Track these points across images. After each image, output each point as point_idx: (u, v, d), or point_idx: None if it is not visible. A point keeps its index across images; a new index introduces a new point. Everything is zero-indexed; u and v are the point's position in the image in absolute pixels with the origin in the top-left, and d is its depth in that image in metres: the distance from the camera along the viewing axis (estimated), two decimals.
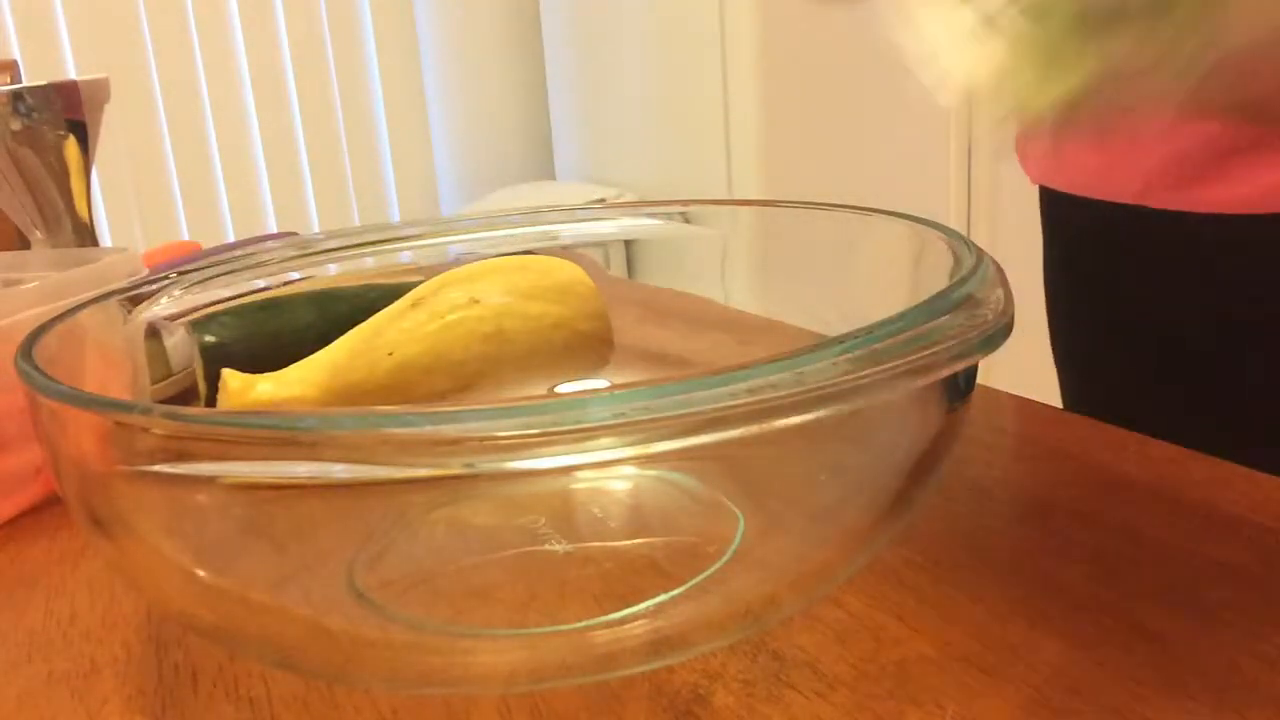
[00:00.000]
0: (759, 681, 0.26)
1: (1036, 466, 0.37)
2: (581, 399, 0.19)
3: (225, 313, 0.40)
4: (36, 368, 0.24)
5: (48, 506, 0.41)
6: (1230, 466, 0.36)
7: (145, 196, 2.10)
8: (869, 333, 0.21)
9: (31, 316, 0.40)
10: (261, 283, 0.40)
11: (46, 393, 0.23)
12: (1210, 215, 0.46)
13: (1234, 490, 0.34)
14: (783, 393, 0.20)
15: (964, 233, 0.33)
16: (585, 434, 0.19)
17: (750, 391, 0.19)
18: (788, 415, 0.20)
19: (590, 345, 0.38)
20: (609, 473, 0.34)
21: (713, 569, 0.29)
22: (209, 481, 0.22)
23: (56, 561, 0.36)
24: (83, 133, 0.60)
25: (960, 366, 0.22)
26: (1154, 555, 0.31)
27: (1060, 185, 0.55)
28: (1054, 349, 0.59)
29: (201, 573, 0.26)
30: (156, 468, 0.22)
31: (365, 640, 0.27)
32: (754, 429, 0.20)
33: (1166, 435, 0.38)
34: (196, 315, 0.39)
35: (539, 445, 0.19)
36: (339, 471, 0.19)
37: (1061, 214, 0.57)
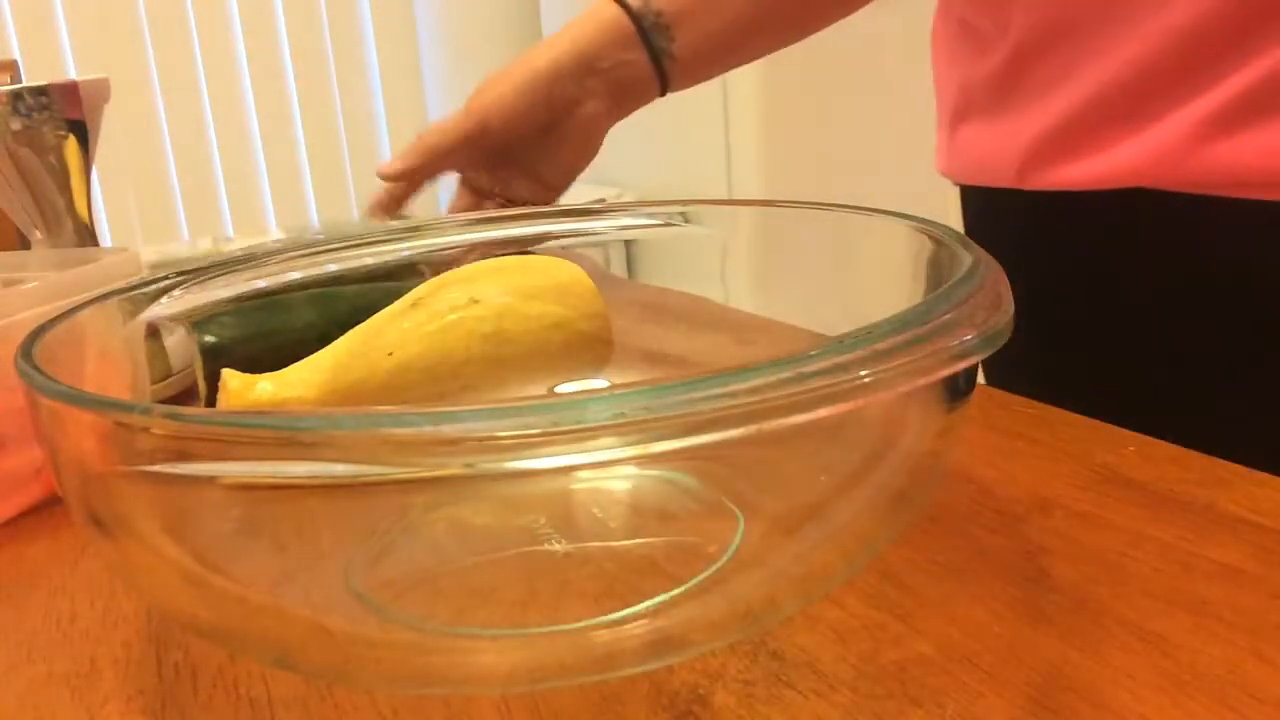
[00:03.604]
0: (759, 681, 0.26)
1: (1036, 466, 0.37)
2: (581, 399, 0.19)
3: (225, 313, 0.40)
4: (36, 367, 0.24)
5: (48, 506, 0.41)
6: (1230, 466, 0.36)
7: (145, 196, 2.10)
8: (869, 333, 0.21)
9: (31, 316, 0.40)
10: (261, 283, 0.40)
11: (46, 393, 0.23)
12: (1074, 193, 0.46)
13: (1234, 490, 0.34)
14: (783, 393, 0.20)
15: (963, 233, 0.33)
16: (585, 434, 0.19)
17: (750, 391, 0.19)
18: (788, 415, 0.20)
19: (590, 345, 0.38)
20: (609, 473, 0.34)
21: (713, 569, 0.29)
22: (209, 481, 0.22)
23: (56, 561, 0.36)
24: (83, 133, 0.60)
25: (960, 366, 0.22)
26: (1154, 555, 0.31)
27: (956, 175, 0.55)
28: None
29: (201, 573, 0.26)
30: (156, 468, 0.22)
31: (365, 640, 0.27)
32: (754, 429, 0.20)
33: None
34: (196, 315, 0.39)
35: (539, 445, 0.19)
36: (339, 471, 0.19)
37: (964, 203, 0.57)
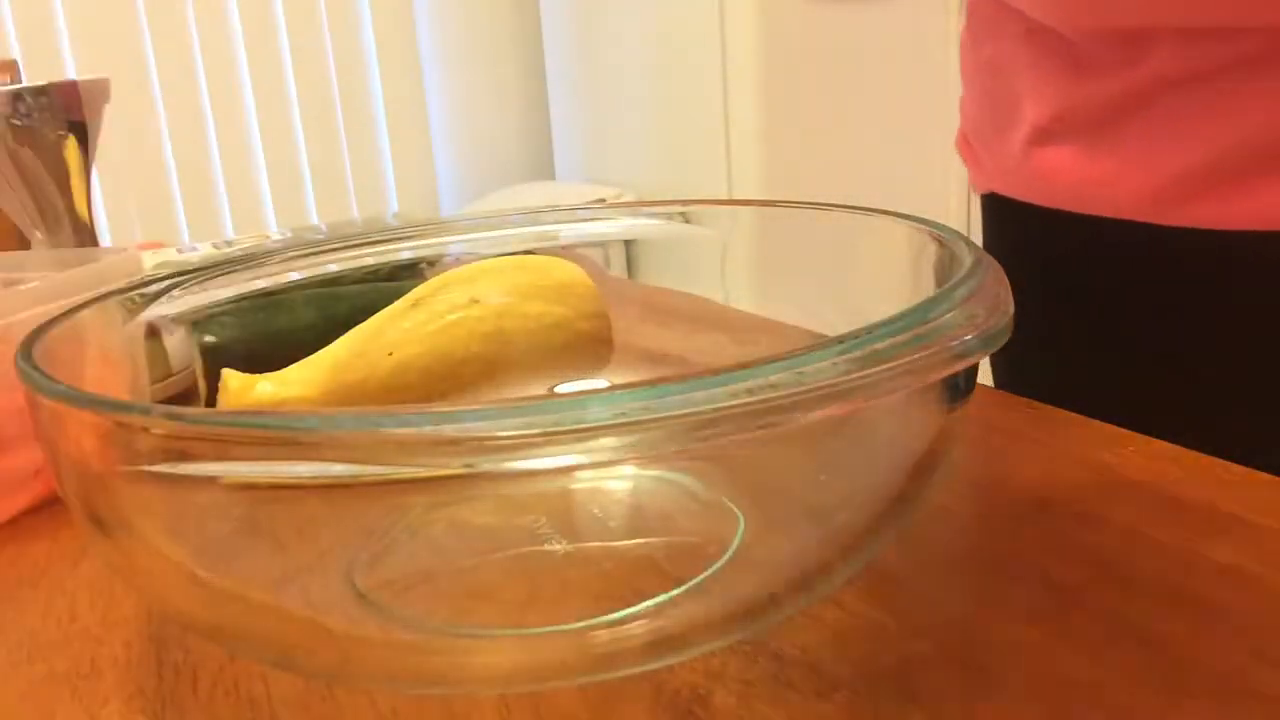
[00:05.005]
0: (759, 681, 0.26)
1: (1036, 466, 0.37)
2: (582, 399, 0.19)
3: (225, 313, 0.40)
4: (36, 367, 0.24)
5: (48, 506, 0.41)
6: (1230, 466, 0.36)
7: (145, 196, 2.10)
8: (869, 333, 0.21)
9: (31, 316, 0.40)
10: (261, 283, 0.41)
11: (46, 393, 0.23)
12: (1220, 231, 0.45)
13: (1234, 490, 0.34)
14: (783, 393, 0.20)
15: (964, 233, 0.33)
16: (585, 434, 0.19)
17: (750, 391, 0.19)
18: (788, 415, 0.20)
19: (590, 345, 0.38)
20: (609, 473, 0.34)
21: (713, 569, 0.29)
22: (209, 482, 0.22)
23: (56, 561, 0.36)
24: (83, 133, 0.60)
25: (960, 366, 0.22)
26: (1154, 555, 0.31)
27: (1029, 196, 0.53)
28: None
29: (201, 573, 0.26)
30: (157, 468, 0.22)
31: (365, 640, 0.27)
32: (754, 429, 0.20)
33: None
34: (196, 315, 0.39)
35: (539, 445, 0.19)
36: (339, 471, 0.19)
37: (1019, 225, 0.55)
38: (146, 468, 0.22)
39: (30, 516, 0.40)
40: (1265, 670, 0.25)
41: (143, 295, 0.36)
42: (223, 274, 0.39)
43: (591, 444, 0.19)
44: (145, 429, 0.21)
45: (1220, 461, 0.36)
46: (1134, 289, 0.51)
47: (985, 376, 0.55)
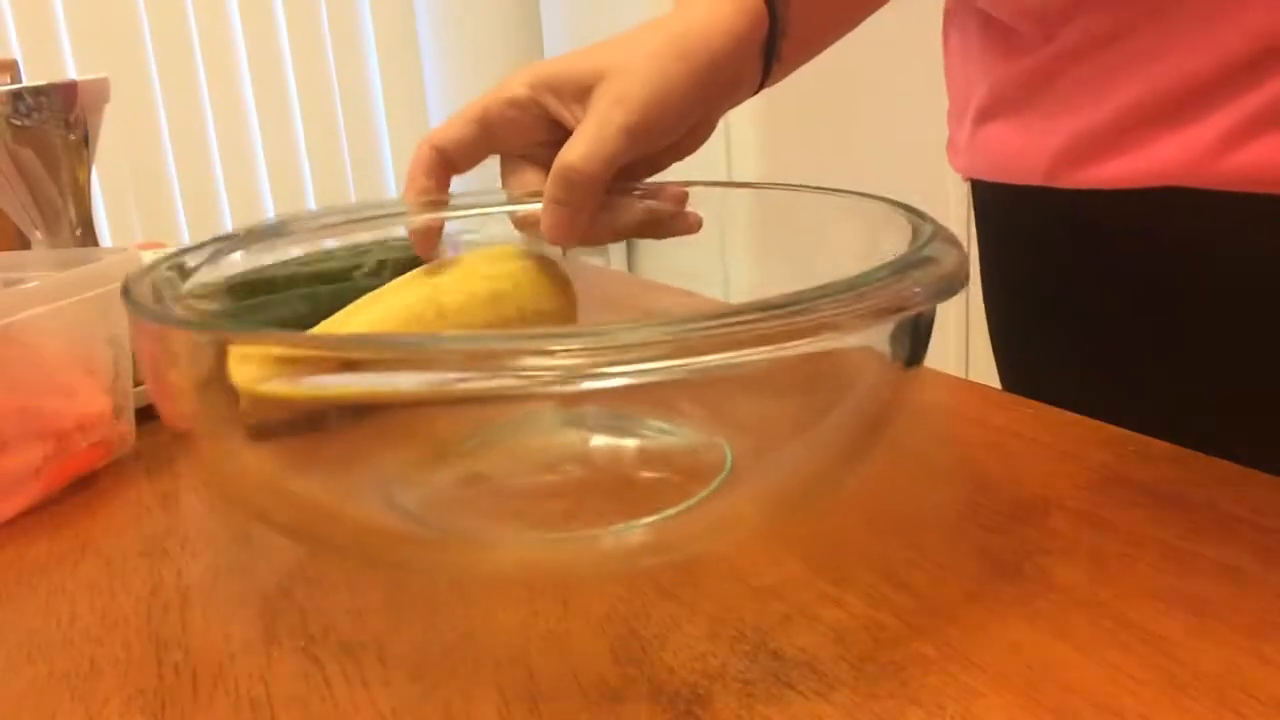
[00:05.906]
0: (759, 681, 0.26)
1: (1037, 466, 0.37)
2: (634, 325, 0.23)
3: (218, 310, 0.40)
4: (140, 301, 0.29)
5: (48, 506, 0.41)
6: (1230, 466, 0.36)
7: (145, 196, 2.10)
8: (849, 282, 0.25)
9: (31, 316, 0.40)
10: (295, 250, 0.43)
11: (151, 317, 0.27)
12: (1105, 191, 0.47)
13: (1234, 490, 0.34)
14: (783, 323, 0.24)
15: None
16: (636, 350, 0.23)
17: (760, 319, 0.24)
18: (792, 340, 0.24)
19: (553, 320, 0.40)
20: (624, 421, 0.39)
21: (703, 494, 0.33)
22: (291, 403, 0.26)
23: (56, 561, 0.36)
24: (83, 133, 0.60)
25: (924, 307, 0.27)
26: (1154, 555, 0.31)
27: (979, 172, 0.55)
28: (991, 337, 0.60)
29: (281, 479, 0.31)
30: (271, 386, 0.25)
31: (409, 539, 0.32)
32: (752, 354, 0.24)
33: (1091, 413, 0.41)
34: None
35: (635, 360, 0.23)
36: (414, 384, 0.23)
37: (984, 202, 0.57)
38: (259, 386, 0.25)
39: (30, 516, 0.40)
40: (1265, 670, 0.25)
41: (182, 266, 0.36)
42: (259, 240, 0.40)
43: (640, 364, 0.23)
44: (269, 348, 0.25)
45: (1220, 461, 0.36)
46: (1045, 252, 0.53)
47: (990, 377, 0.55)
